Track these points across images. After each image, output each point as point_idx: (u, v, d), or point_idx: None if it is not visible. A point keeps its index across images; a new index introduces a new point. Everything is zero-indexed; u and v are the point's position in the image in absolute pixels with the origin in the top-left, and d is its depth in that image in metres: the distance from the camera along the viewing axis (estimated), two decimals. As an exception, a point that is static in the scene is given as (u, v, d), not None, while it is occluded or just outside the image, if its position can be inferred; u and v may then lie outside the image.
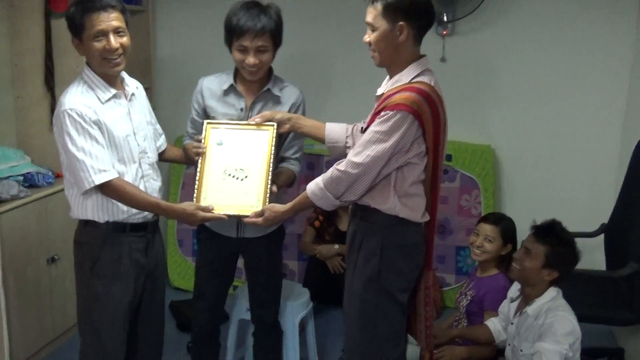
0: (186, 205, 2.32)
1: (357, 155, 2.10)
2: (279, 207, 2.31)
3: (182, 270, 4.05)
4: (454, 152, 3.71)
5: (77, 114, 2.15)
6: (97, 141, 2.17)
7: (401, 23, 2.08)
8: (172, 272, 4.00)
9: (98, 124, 2.19)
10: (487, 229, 2.93)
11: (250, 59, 2.40)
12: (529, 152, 3.77)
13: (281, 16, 2.46)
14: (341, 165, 2.14)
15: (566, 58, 3.64)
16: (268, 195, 2.37)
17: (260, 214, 2.32)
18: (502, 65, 3.72)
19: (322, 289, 3.55)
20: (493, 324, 2.71)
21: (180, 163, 2.72)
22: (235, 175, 2.41)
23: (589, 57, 3.62)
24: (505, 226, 2.95)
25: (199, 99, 2.57)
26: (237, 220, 2.50)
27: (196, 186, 2.39)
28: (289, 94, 2.56)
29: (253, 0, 2.45)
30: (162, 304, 2.55)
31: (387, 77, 2.25)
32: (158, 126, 2.54)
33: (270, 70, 2.56)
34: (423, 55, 2.19)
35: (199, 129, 2.52)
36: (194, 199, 2.38)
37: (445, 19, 3.65)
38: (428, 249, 2.31)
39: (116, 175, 2.20)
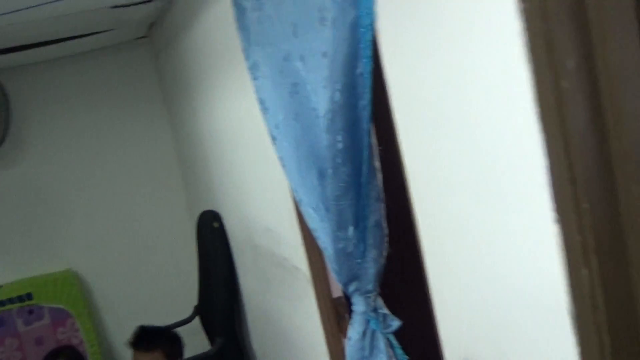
0: None
1: None
2: None
3: None
4: (34, 289, 3.42)
5: None
6: None
7: None
8: None
9: None
10: None
11: None
12: (107, 264, 3.64)
13: None
14: None
15: (115, 160, 3.63)
16: None
17: None
18: (56, 186, 3.57)
19: None
20: None
21: None
22: None
23: (135, 149, 3.67)
24: None
25: None
26: None
27: None
28: None
29: None
30: None
31: None
32: None
33: None
34: None
35: None
36: None
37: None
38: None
39: None
